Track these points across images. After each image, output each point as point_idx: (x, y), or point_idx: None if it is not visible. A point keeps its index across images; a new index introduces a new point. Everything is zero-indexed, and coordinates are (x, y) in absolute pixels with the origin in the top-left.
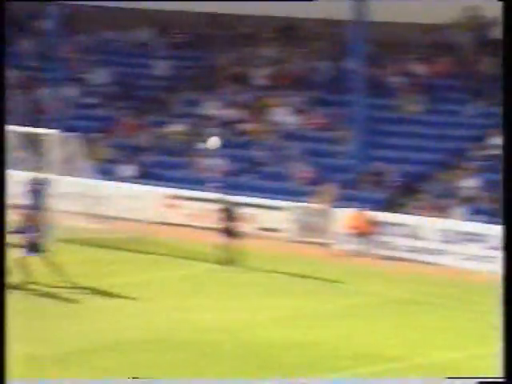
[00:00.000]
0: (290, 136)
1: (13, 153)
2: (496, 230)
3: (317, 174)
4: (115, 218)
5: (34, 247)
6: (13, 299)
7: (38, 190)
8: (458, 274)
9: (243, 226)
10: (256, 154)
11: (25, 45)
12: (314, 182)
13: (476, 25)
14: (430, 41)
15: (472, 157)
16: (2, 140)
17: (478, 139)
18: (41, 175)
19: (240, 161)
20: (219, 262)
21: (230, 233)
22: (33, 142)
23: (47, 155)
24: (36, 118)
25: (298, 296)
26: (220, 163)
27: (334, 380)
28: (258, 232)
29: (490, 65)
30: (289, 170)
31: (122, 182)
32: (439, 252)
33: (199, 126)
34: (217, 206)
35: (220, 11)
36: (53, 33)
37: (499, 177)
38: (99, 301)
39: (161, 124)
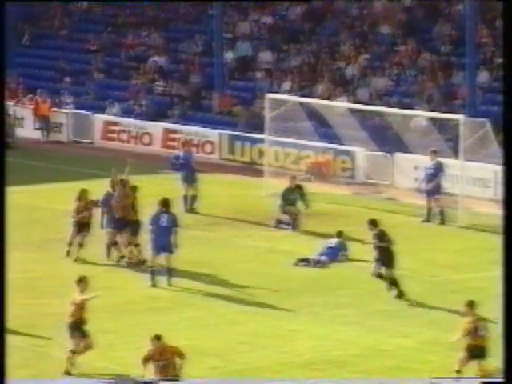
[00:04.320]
0: None
1: (423, 137)
2: None
3: None
4: None
5: None
6: None
7: (435, 174)
8: None
9: None
10: None
11: (441, 29)
12: None
13: None
14: None
15: None
16: (2, 140)
17: None
18: (443, 160)
19: None
20: None
21: None
22: (442, 127)
23: (456, 140)
24: (448, 102)
25: None
26: None
27: (334, 380)
28: None
29: None
30: None
31: None
32: None
33: None
34: None
35: None
36: (469, 17)
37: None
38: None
39: None
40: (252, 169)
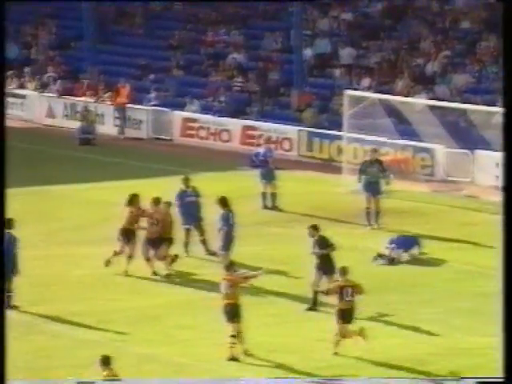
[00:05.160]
0: None
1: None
2: None
3: None
4: None
5: None
6: None
7: None
8: None
9: None
10: None
11: None
12: None
13: None
14: None
15: None
16: (2, 139)
17: None
18: None
19: None
20: None
21: None
22: None
23: None
24: None
25: None
26: None
27: (333, 380)
28: None
29: None
30: None
31: None
32: None
33: None
34: None
35: None
36: None
37: None
38: None
39: None
40: (330, 166)
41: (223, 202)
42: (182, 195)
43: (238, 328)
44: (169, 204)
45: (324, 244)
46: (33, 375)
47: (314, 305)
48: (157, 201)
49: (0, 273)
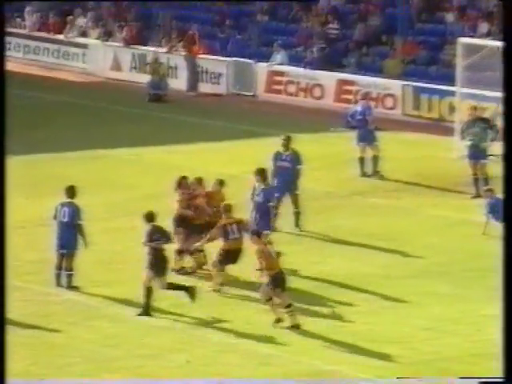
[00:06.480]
0: None
1: None
2: None
3: None
4: None
5: None
6: None
7: None
8: None
9: None
10: None
11: None
12: None
13: None
14: None
15: None
16: (2, 136)
17: None
18: None
19: None
20: None
21: None
22: None
23: None
24: None
25: None
26: None
27: (332, 380)
28: None
29: None
30: None
31: None
32: None
33: None
34: None
35: None
36: None
37: None
38: None
39: None
40: (441, 126)
41: (263, 175)
42: (276, 158)
43: (287, 297)
44: (221, 182)
45: (160, 235)
46: (94, 367)
47: (145, 310)
48: (199, 181)
49: (1, 271)
